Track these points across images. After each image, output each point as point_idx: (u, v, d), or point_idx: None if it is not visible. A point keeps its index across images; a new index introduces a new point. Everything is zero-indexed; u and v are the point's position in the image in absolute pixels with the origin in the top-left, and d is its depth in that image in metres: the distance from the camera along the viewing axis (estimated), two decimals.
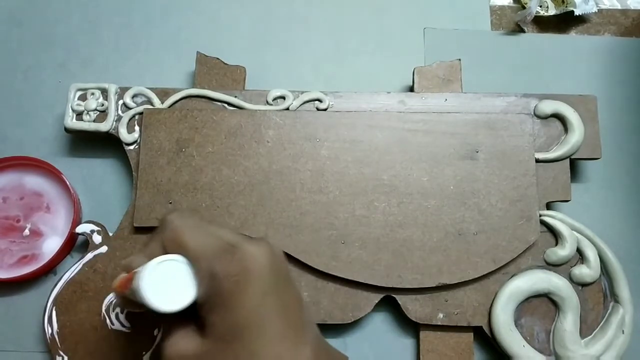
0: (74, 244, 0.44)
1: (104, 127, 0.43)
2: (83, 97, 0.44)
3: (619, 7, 0.51)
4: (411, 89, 0.47)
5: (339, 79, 0.48)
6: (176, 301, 0.26)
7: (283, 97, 0.44)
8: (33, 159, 0.43)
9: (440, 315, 0.40)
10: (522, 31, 0.50)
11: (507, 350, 0.39)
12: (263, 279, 0.26)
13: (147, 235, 0.41)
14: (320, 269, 0.40)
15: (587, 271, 0.40)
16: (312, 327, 0.29)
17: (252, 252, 0.27)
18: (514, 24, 0.50)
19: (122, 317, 0.40)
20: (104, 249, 0.41)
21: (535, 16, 0.49)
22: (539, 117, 0.43)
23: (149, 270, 0.26)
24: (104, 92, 0.44)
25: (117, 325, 0.40)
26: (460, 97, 0.44)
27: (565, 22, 0.50)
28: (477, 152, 0.42)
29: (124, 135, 0.43)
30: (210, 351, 0.26)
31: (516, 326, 0.40)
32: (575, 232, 0.41)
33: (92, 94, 0.44)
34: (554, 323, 0.40)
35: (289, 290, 0.28)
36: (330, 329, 0.41)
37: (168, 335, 0.27)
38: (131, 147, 0.43)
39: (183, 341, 0.27)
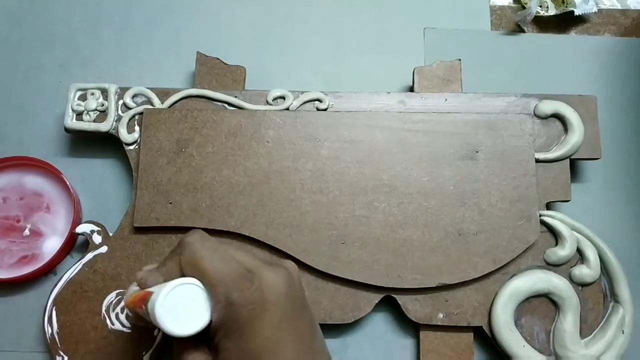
0: (74, 244, 0.44)
1: (104, 127, 0.43)
2: (83, 97, 0.44)
3: (619, 7, 0.51)
4: (411, 89, 0.47)
5: (338, 79, 0.48)
6: (190, 325, 0.26)
7: (283, 97, 0.44)
8: (33, 159, 0.43)
9: (440, 315, 0.40)
10: (522, 31, 0.50)
11: (507, 350, 0.39)
12: (279, 307, 0.26)
13: (149, 235, 0.41)
14: (320, 269, 0.40)
15: (587, 271, 0.40)
16: (325, 353, 0.29)
17: (270, 280, 0.27)
18: (514, 24, 0.50)
19: (122, 317, 0.40)
20: (104, 249, 0.41)
21: (535, 16, 0.49)
22: (539, 117, 0.43)
23: (164, 294, 0.26)
24: (104, 92, 0.44)
25: (117, 325, 0.40)
26: (460, 97, 0.44)
27: (565, 22, 0.50)
28: (477, 152, 0.42)
29: (124, 135, 0.43)
30: None
31: (516, 326, 0.40)
32: (575, 232, 0.41)
33: (92, 94, 0.44)
34: (554, 323, 0.40)
35: (304, 316, 0.28)
36: (330, 329, 0.41)
37: (181, 357, 0.27)
38: (131, 147, 0.43)
39: None
